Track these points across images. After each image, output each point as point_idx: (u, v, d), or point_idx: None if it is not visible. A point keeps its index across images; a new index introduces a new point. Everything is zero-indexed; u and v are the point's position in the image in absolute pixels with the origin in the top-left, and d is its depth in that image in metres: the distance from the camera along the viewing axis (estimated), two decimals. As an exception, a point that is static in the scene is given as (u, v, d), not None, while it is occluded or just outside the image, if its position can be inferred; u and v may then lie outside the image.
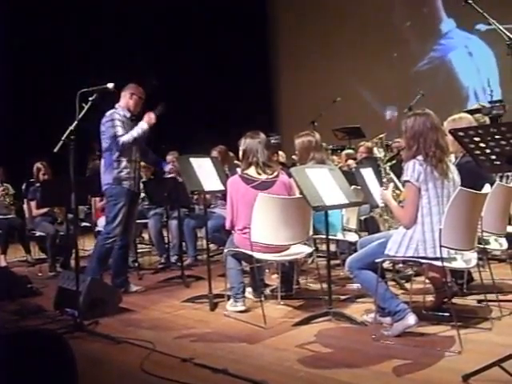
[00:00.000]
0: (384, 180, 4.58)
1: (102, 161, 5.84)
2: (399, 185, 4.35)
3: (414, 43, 13.05)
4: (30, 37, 11.30)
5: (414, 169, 3.81)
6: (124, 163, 5.69)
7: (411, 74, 12.93)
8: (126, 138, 5.62)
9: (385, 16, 13.37)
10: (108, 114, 5.70)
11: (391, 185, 4.36)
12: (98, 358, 3.86)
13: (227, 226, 4.94)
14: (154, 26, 13.08)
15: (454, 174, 3.98)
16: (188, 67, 13.22)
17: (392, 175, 4.68)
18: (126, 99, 5.84)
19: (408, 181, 3.84)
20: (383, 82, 13.16)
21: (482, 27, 11.49)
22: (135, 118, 5.85)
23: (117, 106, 5.81)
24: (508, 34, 4.33)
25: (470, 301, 4.63)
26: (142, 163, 8.65)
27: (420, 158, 3.84)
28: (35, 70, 11.03)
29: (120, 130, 5.61)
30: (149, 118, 5.77)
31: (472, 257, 3.97)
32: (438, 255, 3.70)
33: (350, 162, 8.18)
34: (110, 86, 4.85)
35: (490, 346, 3.62)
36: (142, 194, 7.84)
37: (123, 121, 5.69)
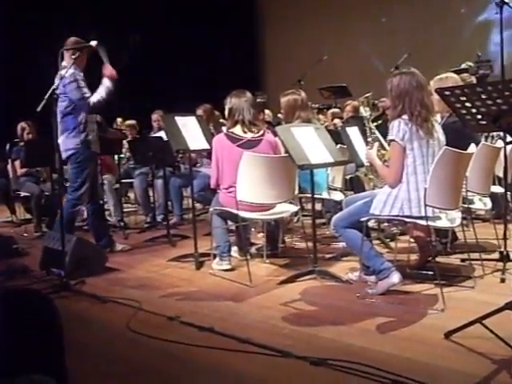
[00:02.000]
0: (369, 139, 4.58)
1: (61, 124, 5.41)
2: (385, 144, 4.35)
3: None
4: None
5: (399, 128, 3.80)
6: (90, 125, 5.48)
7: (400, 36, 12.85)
8: (95, 98, 5.38)
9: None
10: (68, 74, 5.22)
11: (376, 144, 4.36)
12: (84, 318, 3.88)
13: (212, 184, 4.93)
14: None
15: (439, 133, 3.98)
16: (174, 26, 13.05)
17: (378, 134, 4.68)
18: (74, 57, 5.32)
19: (393, 140, 3.84)
20: (370, 41, 13.07)
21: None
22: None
23: (65, 63, 5.32)
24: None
25: (454, 259, 4.69)
26: (129, 122, 8.66)
27: (405, 117, 3.83)
28: (19, 28, 10.84)
29: (87, 91, 5.35)
30: (110, 73, 5.47)
31: (456, 216, 4.00)
32: (423, 214, 3.73)
33: (336, 120, 8.16)
34: (94, 43, 4.78)
35: (473, 303, 3.67)
36: (128, 154, 7.84)
37: (84, 80, 5.39)
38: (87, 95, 5.35)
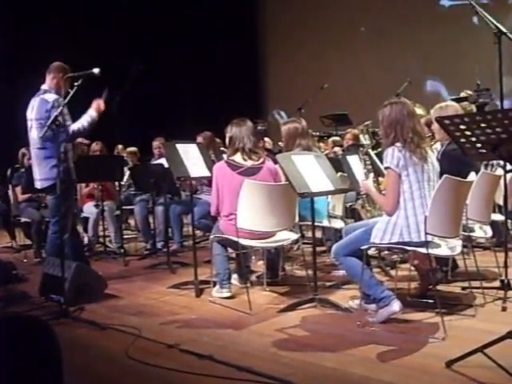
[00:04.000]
0: (364, 171, 4.61)
1: (42, 151, 5.24)
2: (385, 172, 4.37)
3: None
4: (16, 18, 11.19)
5: (393, 155, 3.85)
6: (70, 153, 5.37)
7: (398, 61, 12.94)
8: (76, 126, 5.20)
9: (371, 4, 13.35)
10: (50, 99, 5.15)
11: (371, 175, 4.41)
12: (83, 345, 3.86)
13: (212, 211, 4.94)
14: (142, 10, 12.97)
15: (433, 158, 4.03)
16: (175, 53, 13.15)
17: (378, 162, 4.70)
18: (57, 80, 5.29)
19: (388, 167, 3.88)
20: (370, 69, 13.15)
21: (446, 3, 12.11)
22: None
23: (47, 87, 5.31)
24: (495, 22, 4.34)
25: (455, 288, 4.67)
26: (130, 149, 8.69)
27: (398, 144, 3.88)
28: (20, 53, 10.92)
29: (68, 119, 5.15)
30: (97, 105, 5.33)
31: (457, 244, 4.00)
32: (423, 239, 3.73)
33: (337, 148, 8.19)
34: (96, 70, 4.78)
35: (474, 332, 3.65)
36: (129, 181, 7.86)
37: (65, 107, 5.02)
38: (68, 123, 5.15)
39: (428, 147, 4.04)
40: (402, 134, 3.88)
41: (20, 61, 10.88)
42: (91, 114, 5.32)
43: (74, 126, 5.21)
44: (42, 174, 5.28)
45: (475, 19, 11.09)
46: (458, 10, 11.54)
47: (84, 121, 5.26)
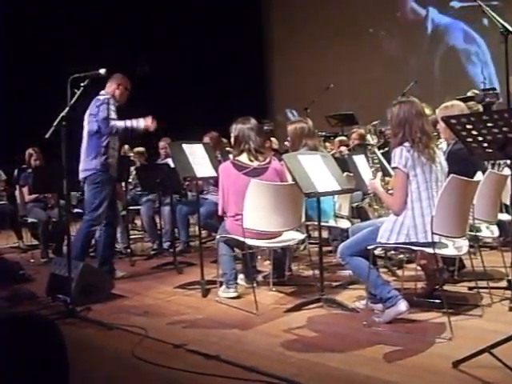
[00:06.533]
0: (372, 169, 4.60)
1: (86, 146, 5.63)
2: (392, 172, 4.36)
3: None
4: (19, 20, 11.22)
5: (401, 155, 3.84)
6: (111, 150, 5.62)
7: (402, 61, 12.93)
8: (119, 123, 5.53)
9: (374, 3, 13.35)
10: (102, 97, 5.57)
11: (379, 174, 4.39)
12: (89, 344, 3.87)
13: (219, 212, 4.94)
14: (147, 10, 12.98)
15: (441, 158, 4.02)
16: (181, 54, 13.15)
17: (384, 162, 4.69)
18: (113, 89, 5.74)
19: (396, 167, 3.87)
20: (376, 69, 13.14)
21: (456, 4, 12.03)
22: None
23: (104, 92, 5.69)
24: (502, 21, 4.32)
25: (461, 288, 4.66)
26: (137, 149, 8.75)
27: (407, 144, 3.87)
28: (26, 55, 10.95)
29: (113, 114, 5.52)
30: (147, 123, 5.64)
31: (463, 244, 3.99)
32: (430, 240, 3.72)
33: (343, 148, 8.18)
34: (102, 71, 4.80)
35: (481, 332, 3.64)
36: (135, 181, 7.87)
37: (115, 108, 5.58)
38: (112, 116, 5.49)
39: (436, 147, 4.03)
40: (410, 134, 3.87)
41: (19, 62, 10.91)
42: (139, 123, 5.63)
43: (117, 123, 5.54)
44: (83, 165, 5.60)
45: (485, 21, 11.13)
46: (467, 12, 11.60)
47: (128, 123, 5.60)
